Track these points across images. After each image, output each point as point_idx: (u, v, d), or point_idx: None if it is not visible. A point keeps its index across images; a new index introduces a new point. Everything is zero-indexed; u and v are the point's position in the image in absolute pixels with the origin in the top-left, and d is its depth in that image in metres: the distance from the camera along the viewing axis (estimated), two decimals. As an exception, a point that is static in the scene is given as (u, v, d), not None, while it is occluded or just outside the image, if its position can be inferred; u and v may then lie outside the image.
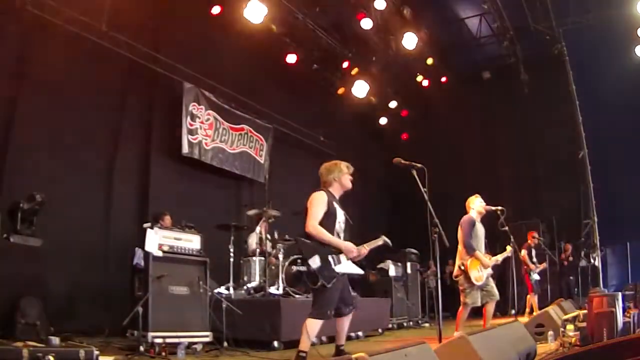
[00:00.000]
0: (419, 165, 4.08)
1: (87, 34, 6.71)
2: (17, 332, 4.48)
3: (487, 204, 5.63)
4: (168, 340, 4.68)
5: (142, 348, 4.52)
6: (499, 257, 5.58)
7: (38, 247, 5.33)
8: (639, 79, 10.44)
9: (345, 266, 3.90)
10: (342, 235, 4.06)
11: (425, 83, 12.74)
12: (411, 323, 9.14)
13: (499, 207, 5.68)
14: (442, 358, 2.50)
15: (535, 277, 9.14)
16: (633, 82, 10.45)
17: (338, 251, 3.90)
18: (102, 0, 6.87)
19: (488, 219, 5.72)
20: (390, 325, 8.20)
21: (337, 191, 4.16)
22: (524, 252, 8.98)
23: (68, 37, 6.49)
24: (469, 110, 13.19)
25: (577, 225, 11.81)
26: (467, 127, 13.41)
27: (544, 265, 9.57)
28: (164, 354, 4.57)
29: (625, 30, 10.41)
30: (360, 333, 6.92)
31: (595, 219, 11.69)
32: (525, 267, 9.01)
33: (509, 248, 5.70)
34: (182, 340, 4.78)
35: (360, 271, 4.11)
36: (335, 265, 3.82)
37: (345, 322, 4.13)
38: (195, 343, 5.02)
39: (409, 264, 9.49)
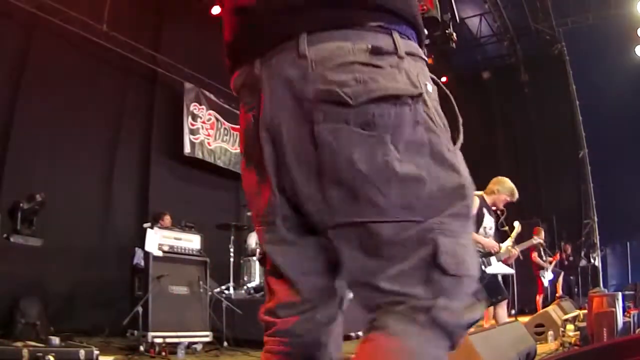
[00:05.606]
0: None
1: (87, 34, 6.71)
2: (17, 332, 4.48)
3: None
4: (168, 340, 4.68)
5: (142, 348, 4.52)
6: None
7: (38, 247, 5.33)
8: (639, 79, 10.45)
9: (495, 267, 4.28)
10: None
11: (426, 83, 12.73)
12: (411, 323, 9.13)
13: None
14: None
15: (549, 275, 8.82)
16: (633, 82, 10.46)
17: (488, 253, 4.23)
18: (103, 0, 6.87)
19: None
20: (390, 325, 8.19)
21: (490, 201, 4.54)
22: (535, 255, 8.70)
23: (68, 37, 6.49)
24: (469, 110, 13.16)
25: (577, 225, 11.81)
26: (467, 127, 13.34)
27: (556, 257, 9.27)
28: (164, 354, 4.57)
29: (625, 30, 10.42)
30: (360, 333, 6.92)
31: (595, 219, 11.70)
32: (537, 268, 8.70)
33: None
34: (182, 340, 4.78)
35: (510, 271, 4.44)
36: (485, 267, 4.19)
37: (499, 312, 4.48)
38: (195, 343, 5.02)
39: (409, 264, 9.46)
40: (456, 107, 1.05)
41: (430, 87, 1.00)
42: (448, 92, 1.06)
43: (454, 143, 1.02)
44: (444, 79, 13.07)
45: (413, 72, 0.96)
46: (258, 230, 1.15)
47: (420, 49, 1.03)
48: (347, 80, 0.91)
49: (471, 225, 0.98)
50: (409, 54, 0.97)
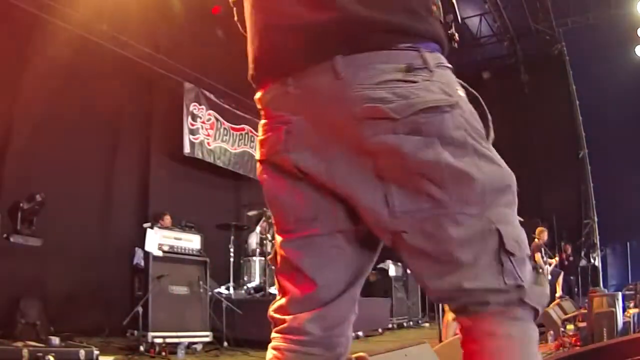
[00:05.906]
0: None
1: (87, 34, 6.71)
2: (17, 332, 4.48)
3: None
4: (168, 340, 4.68)
5: (142, 348, 4.53)
6: None
7: (38, 247, 5.33)
8: (639, 79, 10.45)
9: None
10: None
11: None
12: (411, 323, 9.14)
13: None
14: (442, 358, 2.50)
15: (548, 277, 8.88)
16: (633, 82, 10.46)
17: None
18: (103, 0, 6.87)
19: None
20: (390, 325, 8.20)
21: None
22: (537, 256, 8.70)
23: (68, 37, 6.49)
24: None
25: (577, 225, 11.81)
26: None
27: (556, 260, 9.37)
28: (164, 354, 4.58)
29: (625, 30, 10.42)
30: (360, 333, 6.92)
31: (596, 219, 11.70)
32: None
33: None
34: (182, 340, 4.78)
35: None
36: None
37: None
38: (195, 343, 5.03)
39: (409, 264, 9.45)
40: (485, 106, 1.14)
41: (461, 91, 1.08)
42: (475, 93, 1.14)
43: (487, 139, 1.10)
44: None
45: (444, 81, 1.04)
46: (284, 233, 1.15)
47: (444, 58, 1.10)
48: (388, 97, 0.98)
49: (516, 207, 1.05)
50: (437, 65, 1.05)
